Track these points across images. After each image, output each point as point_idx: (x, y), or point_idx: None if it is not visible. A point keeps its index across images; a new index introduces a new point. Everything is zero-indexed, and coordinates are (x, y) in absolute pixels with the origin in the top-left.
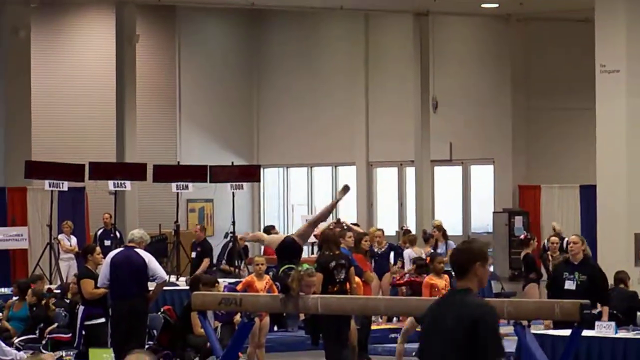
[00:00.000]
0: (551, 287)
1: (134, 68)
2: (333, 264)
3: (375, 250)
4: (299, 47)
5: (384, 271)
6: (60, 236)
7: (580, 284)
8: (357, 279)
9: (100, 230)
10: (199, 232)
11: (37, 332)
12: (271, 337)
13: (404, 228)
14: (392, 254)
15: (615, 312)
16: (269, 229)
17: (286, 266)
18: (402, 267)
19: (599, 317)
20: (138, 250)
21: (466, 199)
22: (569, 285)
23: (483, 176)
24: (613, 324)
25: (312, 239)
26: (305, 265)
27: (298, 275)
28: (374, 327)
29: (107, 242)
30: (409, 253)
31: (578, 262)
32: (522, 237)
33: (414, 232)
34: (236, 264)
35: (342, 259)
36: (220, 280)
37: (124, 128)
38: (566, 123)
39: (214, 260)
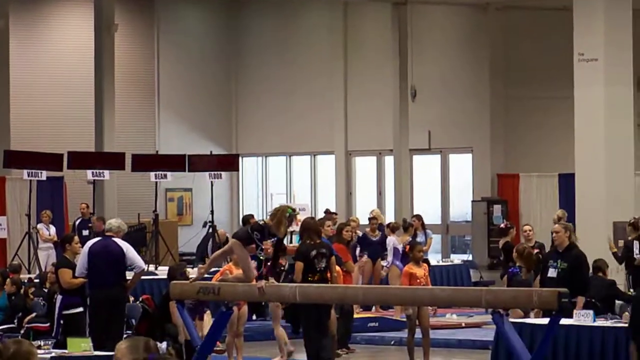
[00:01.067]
0: (541, 275)
1: (113, 57)
2: (314, 252)
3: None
4: (277, 35)
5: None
6: (39, 225)
7: (561, 271)
8: (337, 268)
9: (78, 220)
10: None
11: (15, 321)
12: (250, 326)
13: (372, 215)
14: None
15: (593, 300)
16: (248, 218)
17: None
18: (380, 257)
19: (573, 306)
20: (116, 239)
21: (445, 187)
22: (551, 273)
23: (462, 165)
24: (591, 312)
25: (292, 227)
26: (290, 210)
27: (281, 213)
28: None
29: (85, 232)
30: (392, 241)
31: (563, 250)
32: (502, 225)
33: (392, 220)
34: None
35: (323, 248)
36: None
37: (103, 117)
38: (544, 112)
39: (194, 250)
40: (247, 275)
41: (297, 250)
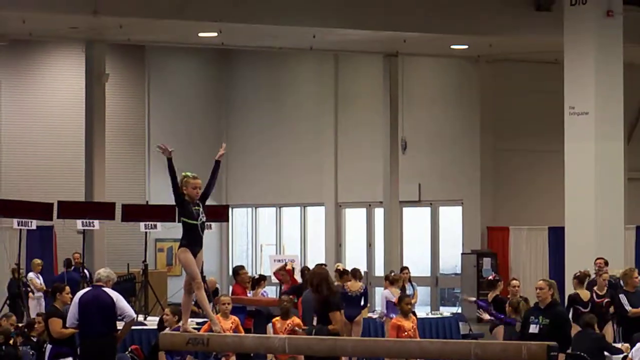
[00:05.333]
0: (521, 331)
1: (104, 107)
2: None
3: None
4: (268, 86)
5: None
6: (30, 274)
7: (543, 327)
8: None
9: (71, 269)
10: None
11: None
12: None
13: (339, 268)
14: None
15: (583, 354)
16: (238, 269)
17: None
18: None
19: None
20: (106, 289)
21: (435, 240)
22: (533, 329)
23: (452, 217)
24: None
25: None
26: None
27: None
28: None
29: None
30: (386, 293)
31: (545, 306)
32: (490, 278)
33: (381, 273)
34: None
35: None
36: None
37: (93, 167)
38: (535, 165)
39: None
40: (194, 280)
41: (336, 300)
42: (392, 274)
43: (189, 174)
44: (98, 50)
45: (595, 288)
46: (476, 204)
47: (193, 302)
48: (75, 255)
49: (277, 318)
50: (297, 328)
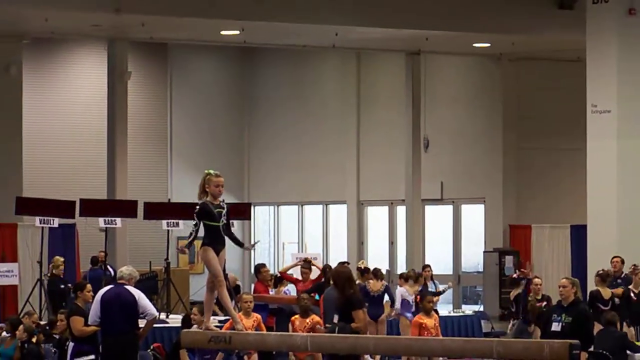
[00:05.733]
0: (544, 328)
1: (126, 105)
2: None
3: None
4: (290, 84)
5: None
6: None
7: (565, 325)
8: None
9: (97, 267)
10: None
11: None
12: None
13: (360, 266)
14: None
15: (605, 352)
16: (260, 267)
17: None
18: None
19: None
20: (128, 287)
21: (457, 238)
22: (555, 326)
23: (474, 215)
24: None
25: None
26: (211, 170)
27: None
28: None
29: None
30: (402, 291)
31: (567, 304)
32: (514, 276)
33: (403, 271)
34: None
35: None
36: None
37: (115, 165)
38: (557, 163)
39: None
40: (216, 278)
41: (359, 298)
42: (409, 271)
43: (211, 171)
44: (120, 48)
45: (631, 286)
46: (498, 202)
47: (215, 301)
48: (100, 254)
49: (297, 316)
50: (318, 326)
